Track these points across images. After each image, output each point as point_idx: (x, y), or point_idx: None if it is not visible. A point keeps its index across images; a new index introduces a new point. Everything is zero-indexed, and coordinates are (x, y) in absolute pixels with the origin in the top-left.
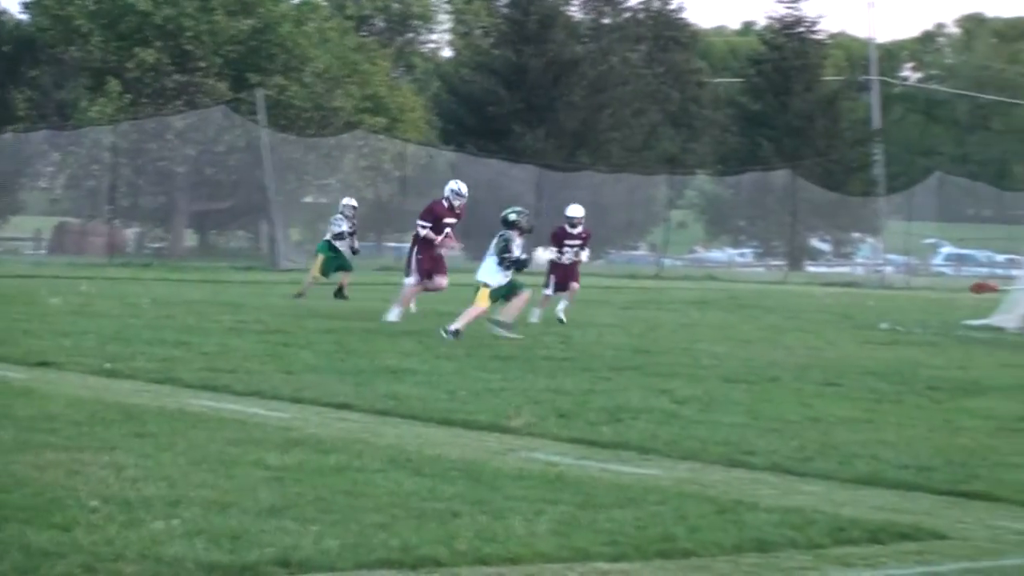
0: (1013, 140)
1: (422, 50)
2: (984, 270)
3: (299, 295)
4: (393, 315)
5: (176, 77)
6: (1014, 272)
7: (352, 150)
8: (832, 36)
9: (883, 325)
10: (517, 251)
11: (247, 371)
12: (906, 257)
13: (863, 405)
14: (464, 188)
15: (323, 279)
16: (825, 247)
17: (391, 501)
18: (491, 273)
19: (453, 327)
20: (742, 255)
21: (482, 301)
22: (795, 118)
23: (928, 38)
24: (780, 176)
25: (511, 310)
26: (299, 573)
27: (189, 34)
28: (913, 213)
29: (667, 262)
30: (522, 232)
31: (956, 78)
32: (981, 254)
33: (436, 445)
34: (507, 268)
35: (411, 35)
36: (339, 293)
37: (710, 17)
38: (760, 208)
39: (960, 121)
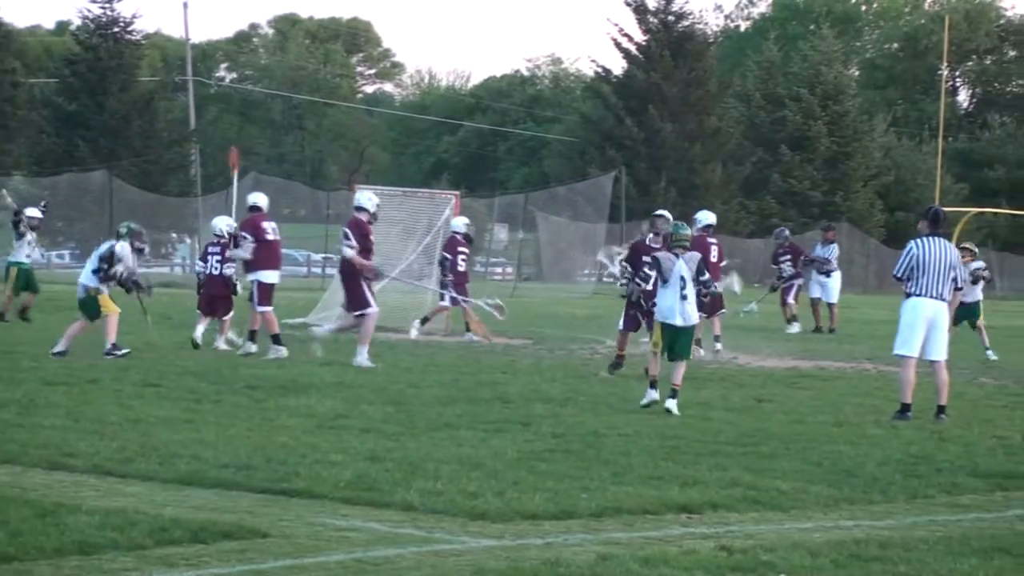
0: (327, 140)
1: None
2: (303, 269)
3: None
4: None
5: None
6: (331, 271)
7: None
8: (148, 36)
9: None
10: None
11: None
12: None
13: (183, 405)
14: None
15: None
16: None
17: None
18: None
19: None
20: (60, 256)
21: None
22: (111, 119)
23: (243, 38)
24: (97, 177)
25: None
26: None
27: None
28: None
29: None
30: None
31: (271, 79)
32: (299, 253)
33: None
34: None
35: None
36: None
37: (25, 16)
38: (78, 210)
39: (275, 121)
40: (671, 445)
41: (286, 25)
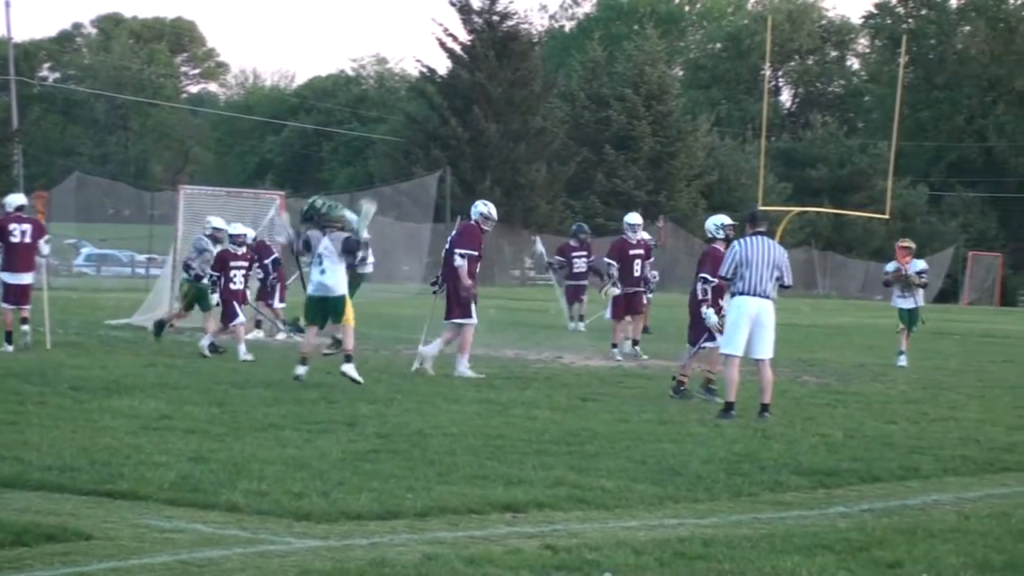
0: (151, 140)
1: None
2: (127, 270)
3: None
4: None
5: None
6: (155, 272)
7: None
8: None
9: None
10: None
11: None
12: (45, 258)
13: (6, 407)
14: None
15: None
16: None
17: None
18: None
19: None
20: None
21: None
22: None
23: (66, 38)
24: None
25: None
26: None
27: None
28: (53, 214)
29: None
30: None
31: (94, 78)
32: (123, 254)
33: None
34: None
35: None
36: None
37: None
38: None
39: (99, 121)
40: (496, 444)
41: (110, 25)
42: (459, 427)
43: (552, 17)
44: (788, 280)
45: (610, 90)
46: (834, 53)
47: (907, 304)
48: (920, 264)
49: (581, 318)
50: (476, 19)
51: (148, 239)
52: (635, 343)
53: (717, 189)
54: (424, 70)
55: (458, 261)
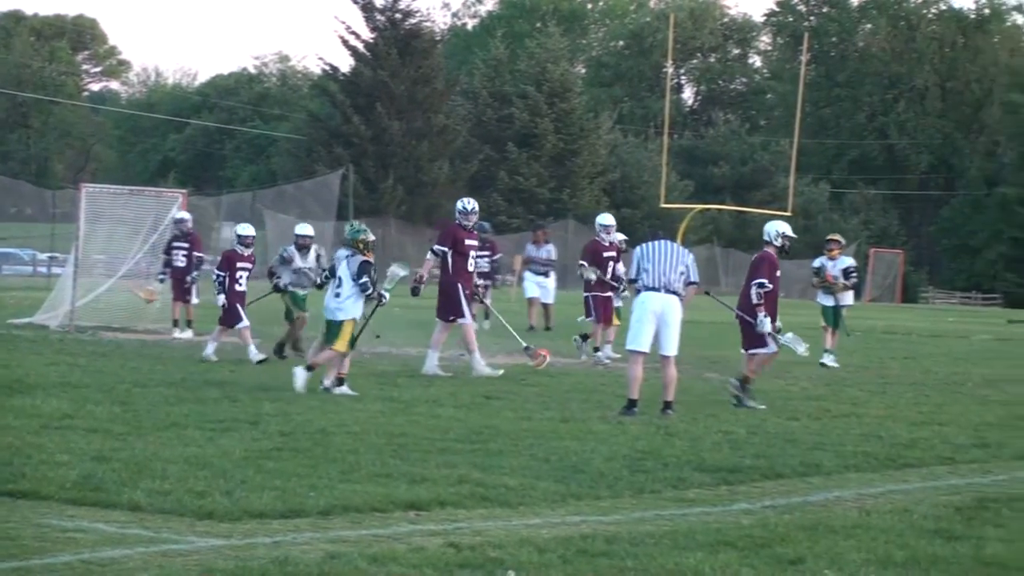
0: (53, 138)
1: None
2: (28, 268)
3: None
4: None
5: None
6: (57, 270)
7: None
8: None
9: None
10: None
11: None
12: None
13: None
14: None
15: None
16: None
17: None
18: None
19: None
20: None
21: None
22: None
23: None
24: None
25: None
26: None
27: None
28: None
29: None
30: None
31: None
32: (25, 252)
33: None
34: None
35: None
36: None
37: None
38: None
39: (1, 118)
40: (399, 443)
41: (10, 22)
42: (362, 425)
43: (455, 15)
44: (694, 276)
45: (513, 88)
46: (736, 51)
47: (829, 302)
48: (847, 261)
49: (486, 316)
50: (379, 17)
51: (50, 238)
52: (596, 349)
53: (619, 187)
54: (326, 68)
55: (429, 256)
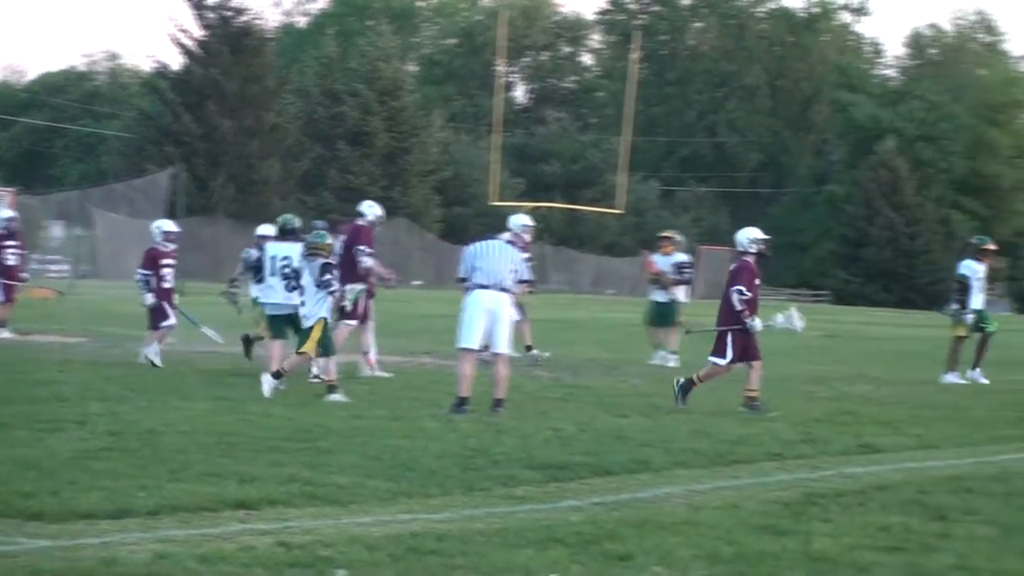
0: None
1: None
2: None
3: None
4: None
5: None
6: None
7: None
8: None
9: None
10: None
11: None
12: None
13: None
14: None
15: None
16: None
17: None
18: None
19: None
20: None
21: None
22: None
23: None
24: None
25: None
26: None
27: None
28: None
29: None
30: None
31: None
32: None
33: None
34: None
35: None
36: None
37: None
38: None
39: None
40: (229, 442)
41: None
42: (191, 424)
43: (286, 13)
44: (526, 275)
45: (344, 86)
46: (568, 49)
47: (661, 297)
48: (680, 257)
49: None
50: (209, 14)
51: None
52: (528, 348)
53: (451, 184)
54: (157, 65)
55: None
